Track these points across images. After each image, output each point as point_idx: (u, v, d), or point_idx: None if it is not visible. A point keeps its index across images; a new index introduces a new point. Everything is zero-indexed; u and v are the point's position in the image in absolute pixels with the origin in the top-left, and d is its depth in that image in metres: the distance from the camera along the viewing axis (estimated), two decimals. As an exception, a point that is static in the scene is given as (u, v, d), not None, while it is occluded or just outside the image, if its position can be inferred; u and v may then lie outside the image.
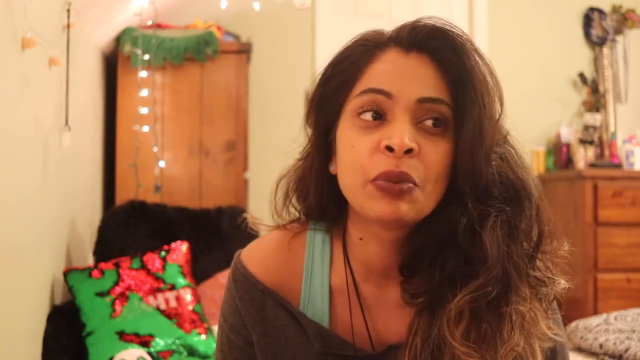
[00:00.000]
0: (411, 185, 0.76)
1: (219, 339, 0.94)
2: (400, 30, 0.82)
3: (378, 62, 0.81)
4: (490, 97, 0.80)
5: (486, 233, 0.77)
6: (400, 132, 0.76)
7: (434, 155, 0.77)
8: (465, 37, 0.81)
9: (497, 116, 0.82)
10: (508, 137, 0.85)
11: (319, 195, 0.88)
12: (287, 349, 0.87)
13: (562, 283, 0.83)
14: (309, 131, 0.88)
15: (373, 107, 0.79)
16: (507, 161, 0.83)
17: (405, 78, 0.79)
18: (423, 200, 0.78)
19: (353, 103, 0.81)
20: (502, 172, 0.81)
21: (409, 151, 0.76)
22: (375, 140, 0.78)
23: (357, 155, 0.79)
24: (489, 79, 0.80)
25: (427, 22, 0.81)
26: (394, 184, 0.76)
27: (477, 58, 0.80)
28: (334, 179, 0.85)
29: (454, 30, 0.81)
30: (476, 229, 0.78)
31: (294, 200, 0.92)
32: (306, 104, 0.88)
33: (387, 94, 0.78)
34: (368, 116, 0.79)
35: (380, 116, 0.79)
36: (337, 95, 0.83)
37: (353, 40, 0.85)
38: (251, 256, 0.91)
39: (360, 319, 0.87)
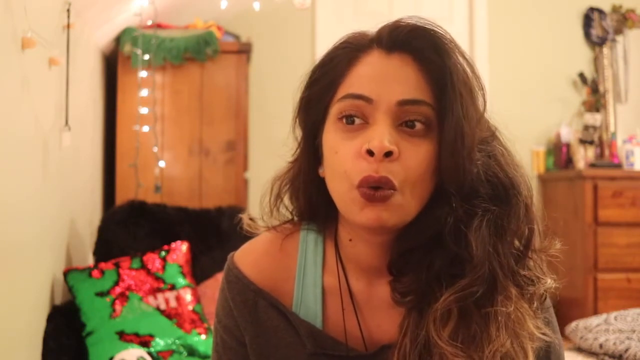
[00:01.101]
0: (390, 191, 0.76)
1: (214, 339, 0.94)
2: (381, 30, 0.82)
3: (360, 64, 0.81)
4: (472, 96, 0.80)
5: (472, 233, 0.77)
6: (380, 135, 0.76)
7: (415, 157, 0.77)
8: (447, 36, 0.81)
9: (480, 115, 0.81)
10: (497, 134, 0.85)
11: (308, 198, 0.89)
12: (279, 349, 0.87)
13: (549, 282, 0.83)
14: (299, 133, 0.89)
15: (353, 112, 0.79)
16: (496, 159, 0.82)
17: (386, 80, 0.79)
18: (404, 204, 0.78)
19: (335, 108, 0.81)
20: (489, 171, 0.81)
21: (389, 154, 0.76)
22: (357, 145, 0.78)
23: (341, 161, 0.79)
24: (471, 77, 0.80)
25: (408, 21, 0.81)
26: (374, 191, 0.76)
27: (459, 57, 0.80)
28: (323, 181, 0.85)
29: (435, 29, 0.80)
30: (462, 229, 0.78)
31: (286, 201, 0.92)
32: (295, 107, 0.88)
33: (367, 99, 0.78)
34: (349, 121, 0.80)
35: (361, 120, 0.79)
36: (321, 98, 0.84)
37: (338, 43, 0.85)
38: (244, 257, 0.92)
39: (353, 319, 0.87)
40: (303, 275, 0.89)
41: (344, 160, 0.79)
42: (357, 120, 0.79)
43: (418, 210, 0.80)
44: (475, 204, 0.79)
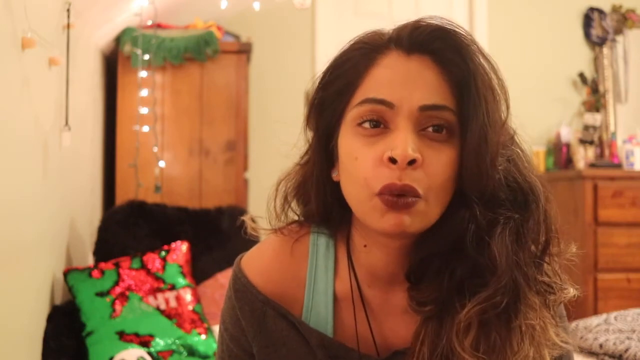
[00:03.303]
0: (414, 199, 0.74)
1: (220, 346, 0.93)
2: (401, 31, 0.80)
3: (378, 66, 0.78)
4: (495, 99, 0.78)
5: (495, 242, 0.76)
6: (403, 143, 0.73)
7: (438, 164, 0.75)
8: (469, 37, 0.78)
9: (503, 119, 0.79)
10: (515, 137, 0.83)
11: (321, 202, 0.86)
12: (290, 359, 0.86)
13: (571, 291, 0.81)
14: (310, 135, 0.86)
15: (374, 117, 0.77)
16: (515, 163, 0.81)
17: (407, 84, 0.76)
18: (427, 212, 0.76)
19: (354, 112, 0.78)
20: (509, 176, 0.79)
21: (412, 162, 0.74)
22: (378, 152, 0.75)
23: (360, 168, 0.76)
24: (494, 80, 0.78)
25: (430, 22, 0.79)
26: (397, 197, 0.74)
27: (482, 59, 0.78)
28: (336, 184, 0.83)
29: (457, 30, 0.78)
30: (485, 238, 0.76)
31: (293, 205, 0.90)
32: (306, 108, 0.86)
33: (389, 104, 0.76)
34: (369, 125, 0.77)
35: (382, 125, 0.77)
36: (337, 101, 0.81)
37: (352, 43, 0.82)
38: (252, 264, 0.89)
39: (365, 325, 0.85)
40: (314, 282, 0.86)
41: (364, 168, 0.76)
42: (377, 125, 0.77)
43: (439, 217, 0.78)
44: (497, 211, 0.77)
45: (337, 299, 0.86)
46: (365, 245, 0.84)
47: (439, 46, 0.77)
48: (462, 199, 0.78)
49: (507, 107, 0.80)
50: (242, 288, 0.87)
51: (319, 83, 0.84)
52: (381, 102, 0.76)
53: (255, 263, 0.89)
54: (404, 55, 0.78)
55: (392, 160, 0.74)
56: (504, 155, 0.80)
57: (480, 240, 0.77)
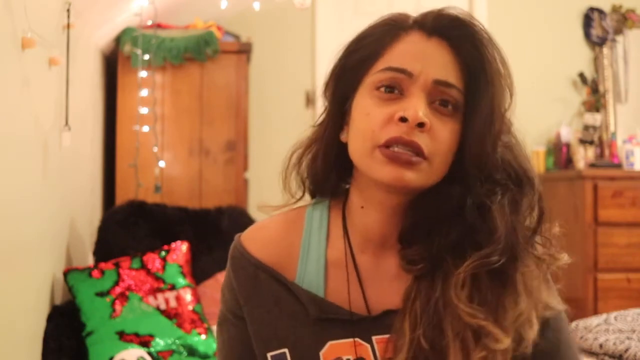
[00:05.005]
0: (419, 158, 0.81)
1: (220, 317, 0.96)
2: (425, 16, 0.87)
3: (401, 42, 0.86)
4: (502, 87, 0.85)
5: (495, 206, 0.82)
6: (416, 106, 0.81)
7: (444, 132, 0.82)
8: (484, 30, 0.86)
9: (507, 106, 0.86)
10: (511, 128, 0.90)
11: (327, 160, 0.92)
12: (282, 320, 0.89)
13: (566, 258, 0.87)
14: (326, 102, 0.93)
15: (392, 84, 0.84)
16: (511, 150, 0.88)
17: (425, 60, 0.84)
18: (429, 172, 0.82)
19: (373, 77, 0.85)
20: (505, 160, 0.86)
21: (421, 125, 0.80)
22: (390, 112, 0.82)
23: (370, 123, 0.83)
24: (502, 71, 0.85)
25: (452, 11, 0.87)
26: (402, 152, 0.80)
27: (494, 51, 0.85)
28: (343, 147, 0.89)
29: (474, 22, 0.86)
30: (486, 203, 0.83)
31: (297, 183, 0.95)
32: (327, 76, 0.93)
33: (409, 73, 0.83)
34: (387, 90, 0.84)
35: (398, 91, 0.84)
36: (357, 68, 0.88)
37: (379, 20, 0.90)
38: (249, 235, 0.95)
39: (356, 289, 0.89)
40: (307, 250, 0.92)
41: (374, 122, 0.83)
42: (395, 91, 0.84)
43: (437, 181, 0.84)
44: (496, 180, 0.84)
45: (329, 265, 0.91)
46: (362, 207, 0.90)
47: (456, 34, 0.85)
48: (458, 172, 0.85)
49: (511, 96, 0.87)
50: (237, 255, 0.93)
51: (342, 52, 0.91)
52: (402, 71, 0.84)
53: (252, 234, 0.95)
54: (425, 36, 0.86)
55: (403, 120, 0.81)
56: (503, 141, 0.87)
57: (482, 206, 0.83)
